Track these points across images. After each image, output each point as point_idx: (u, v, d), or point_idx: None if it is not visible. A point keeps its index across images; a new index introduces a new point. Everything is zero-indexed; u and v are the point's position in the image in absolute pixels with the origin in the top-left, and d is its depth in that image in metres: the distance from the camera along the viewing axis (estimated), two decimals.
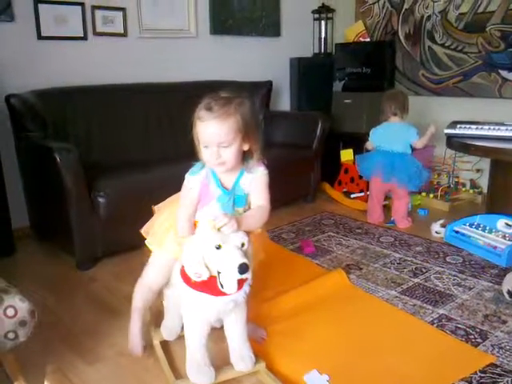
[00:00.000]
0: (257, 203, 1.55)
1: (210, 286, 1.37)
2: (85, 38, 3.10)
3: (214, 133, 1.40)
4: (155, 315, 1.89)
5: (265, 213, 1.54)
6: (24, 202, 2.92)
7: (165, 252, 1.62)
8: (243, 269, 1.30)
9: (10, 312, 1.35)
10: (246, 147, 1.48)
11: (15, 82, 2.78)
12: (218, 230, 1.34)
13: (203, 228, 1.38)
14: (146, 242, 1.67)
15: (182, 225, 1.53)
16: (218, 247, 1.33)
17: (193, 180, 1.53)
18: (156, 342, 1.79)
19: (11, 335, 1.36)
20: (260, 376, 1.60)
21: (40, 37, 2.92)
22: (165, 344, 1.80)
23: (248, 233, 1.41)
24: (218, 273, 1.34)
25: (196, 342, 1.51)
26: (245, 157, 1.51)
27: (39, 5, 2.88)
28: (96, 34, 3.14)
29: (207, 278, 1.36)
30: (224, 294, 1.37)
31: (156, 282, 1.70)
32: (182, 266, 1.43)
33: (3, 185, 2.62)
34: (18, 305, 1.37)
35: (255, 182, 1.54)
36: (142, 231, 1.69)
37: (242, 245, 1.36)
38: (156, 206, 1.73)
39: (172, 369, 1.64)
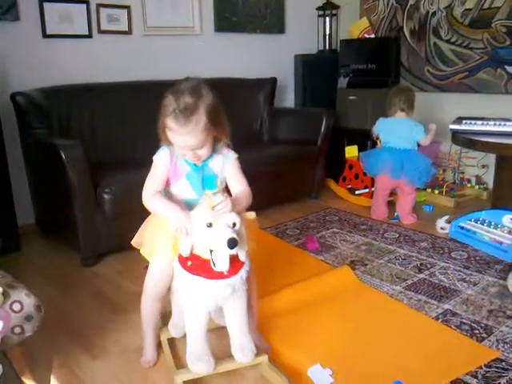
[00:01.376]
0: (238, 188, 1.58)
1: (206, 269, 1.39)
2: (90, 36, 3.11)
3: (187, 143, 1.44)
4: (162, 313, 1.89)
5: (249, 195, 1.57)
6: (29, 199, 2.94)
7: (158, 259, 1.58)
8: (232, 243, 1.31)
9: (17, 307, 1.36)
10: (214, 133, 1.50)
11: (21, 80, 2.80)
12: (213, 208, 1.37)
13: (199, 206, 1.41)
14: (141, 252, 1.63)
15: (147, 198, 1.54)
16: (210, 225, 1.35)
17: (160, 156, 1.54)
18: (163, 339, 1.79)
19: (17, 330, 1.37)
20: (262, 368, 1.61)
21: (45, 35, 2.94)
22: (172, 341, 1.81)
23: (240, 214, 1.42)
24: (211, 251, 1.36)
25: (195, 330, 1.52)
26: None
27: (44, 3, 2.89)
28: (101, 32, 3.15)
29: (189, 254, 1.39)
30: (220, 277, 1.39)
31: (157, 291, 1.66)
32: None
33: (9, 182, 2.64)
34: (24, 300, 1.38)
35: (229, 168, 1.57)
36: (133, 243, 1.66)
37: (234, 224, 1.37)
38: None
39: (177, 365, 1.65)
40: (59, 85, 2.88)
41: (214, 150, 1.54)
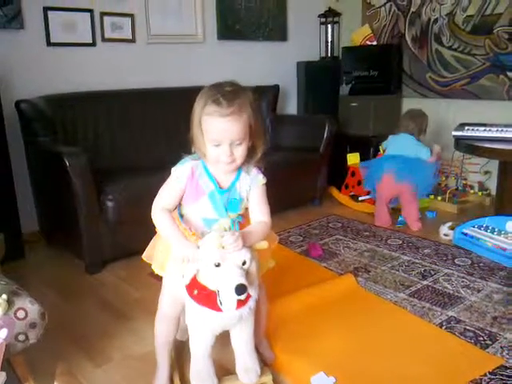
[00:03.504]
0: (258, 218, 1.47)
1: (212, 301, 1.33)
2: (93, 44, 3.14)
3: (228, 130, 1.32)
4: None
5: (267, 229, 1.46)
6: (33, 207, 2.94)
7: (168, 276, 1.51)
8: (240, 290, 1.25)
9: (21, 314, 1.36)
10: (252, 138, 1.40)
11: (25, 88, 2.82)
12: (223, 247, 1.30)
13: (207, 242, 1.32)
14: (152, 268, 1.56)
15: (157, 212, 1.43)
16: (218, 265, 1.28)
17: (181, 170, 1.43)
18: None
19: (21, 337, 1.37)
20: None
21: (49, 43, 2.96)
22: (177, 345, 1.78)
23: (251, 248, 1.34)
24: (218, 291, 1.30)
25: (200, 352, 1.49)
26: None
27: (48, 12, 2.92)
28: (105, 40, 3.18)
29: (188, 282, 1.33)
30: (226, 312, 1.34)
31: (171, 310, 1.57)
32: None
33: (13, 189, 2.65)
34: (29, 307, 1.38)
35: (254, 193, 1.47)
36: (144, 257, 1.59)
37: (244, 263, 1.30)
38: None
39: (180, 372, 1.65)
40: (63, 93, 2.90)
41: (243, 168, 1.44)
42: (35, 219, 2.96)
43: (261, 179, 1.49)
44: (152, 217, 1.45)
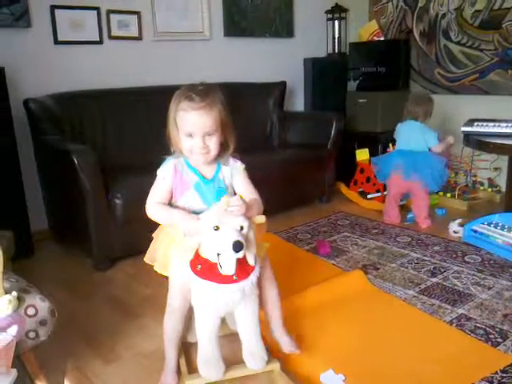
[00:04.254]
0: (248, 197, 1.55)
1: (214, 273, 1.38)
2: (100, 42, 3.14)
3: (201, 122, 1.44)
4: None
5: (261, 203, 1.56)
6: (42, 205, 2.96)
7: (173, 272, 1.55)
8: (238, 246, 1.30)
9: (31, 311, 1.37)
10: (224, 134, 1.51)
11: (33, 87, 2.83)
12: (227, 207, 1.37)
13: (207, 213, 1.40)
14: (155, 268, 1.60)
15: (150, 207, 1.53)
16: (217, 228, 1.34)
17: (165, 169, 1.54)
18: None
19: (32, 334, 1.38)
20: (273, 376, 1.59)
21: (57, 41, 2.97)
22: (188, 346, 1.79)
23: (249, 219, 1.41)
24: (218, 255, 1.35)
25: (206, 335, 1.51)
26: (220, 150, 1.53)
27: (56, 10, 2.93)
28: (111, 37, 3.18)
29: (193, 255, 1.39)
30: (229, 281, 1.38)
31: (179, 305, 1.58)
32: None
33: (22, 188, 2.66)
34: (39, 304, 1.39)
35: (238, 180, 1.57)
36: (146, 259, 1.63)
37: (241, 228, 1.36)
38: (154, 234, 1.63)
39: (189, 369, 1.64)
40: (71, 91, 2.91)
41: (221, 160, 1.55)
42: (44, 217, 2.98)
43: (240, 166, 1.59)
44: (149, 215, 1.54)
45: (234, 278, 1.39)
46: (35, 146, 2.82)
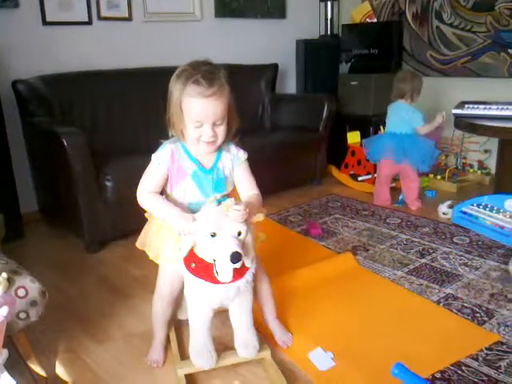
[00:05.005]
0: (249, 192, 1.50)
1: (209, 273, 1.35)
2: (90, 22, 3.09)
3: (211, 110, 1.33)
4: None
5: (260, 199, 1.50)
6: (32, 187, 2.95)
7: (164, 262, 1.53)
8: (235, 258, 1.25)
9: (21, 292, 1.37)
10: (230, 117, 1.42)
11: (21, 68, 2.79)
12: (226, 210, 1.30)
13: (203, 213, 1.34)
14: (150, 257, 1.57)
15: (142, 195, 1.44)
16: (213, 235, 1.29)
17: (161, 154, 1.43)
18: (171, 331, 1.80)
19: (23, 315, 1.38)
20: (264, 364, 1.60)
21: (45, 22, 2.92)
22: (178, 324, 1.82)
23: (246, 221, 1.35)
24: (214, 261, 1.31)
25: (199, 327, 1.51)
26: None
27: None
28: (101, 18, 3.13)
29: (186, 254, 1.35)
30: (222, 281, 1.35)
31: (167, 293, 1.59)
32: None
33: (11, 170, 2.64)
34: (29, 285, 1.39)
35: (239, 171, 1.49)
36: (137, 244, 1.59)
37: (239, 233, 1.31)
38: (147, 214, 1.57)
39: (180, 350, 1.67)
40: (60, 72, 2.87)
41: (222, 146, 1.46)
42: (34, 199, 2.97)
43: (242, 156, 1.51)
44: (140, 203, 1.46)
45: (229, 281, 1.36)
46: (24, 128, 2.79)
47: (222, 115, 1.36)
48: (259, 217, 1.44)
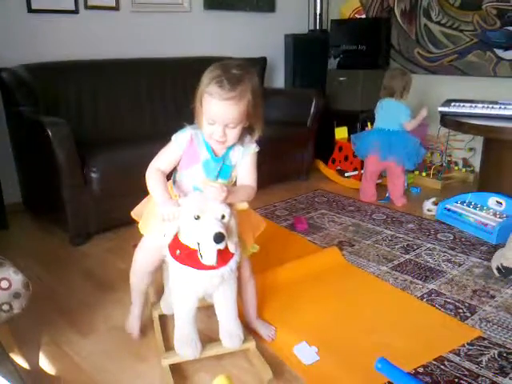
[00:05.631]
0: (245, 183, 1.51)
1: (194, 260, 1.36)
2: (76, 11, 3.04)
3: (225, 114, 1.36)
4: (157, 290, 1.91)
5: (252, 192, 1.51)
6: (16, 178, 2.90)
7: (153, 238, 1.55)
8: (218, 238, 1.27)
9: (5, 284, 1.35)
10: (246, 124, 1.43)
11: (5, 56, 2.74)
12: (204, 186, 1.34)
13: (188, 199, 1.37)
14: (138, 226, 1.61)
15: (149, 171, 1.48)
16: (197, 218, 1.31)
17: (182, 135, 1.47)
18: (155, 316, 1.81)
19: (6, 307, 1.37)
20: (249, 354, 1.61)
21: (30, 10, 2.86)
22: (163, 318, 1.82)
23: (231, 206, 1.38)
24: (198, 244, 1.33)
25: (183, 316, 1.52)
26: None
27: None
28: (88, 7, 3.08)
29: (170, 241, 1.37)
30: (208, 267, 1.36)
31: (146, 265, 1.63)
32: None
33: None
34: (12, 277, 1.37)
35: (246, 159, 1.50)
36: (132, 214, 1.63)
37: (223, 217, 1.33)
38: (132, 212, 1.64)
39: (165, 342, 1.66)
40: (45, 61, 2.82)
41: (239, 143, 1.47)
42: (18, 190, 2.93)
43: (253, 148, 1.51)
44: (146, 175, 1.49)
45: (214, 265, 1.36)
46: (8, 118, 2.75)
47: (236, 119, 1.38)
48: (243, 205, 1.45)
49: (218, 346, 1.59)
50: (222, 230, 1.28)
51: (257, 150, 1.52)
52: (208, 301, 1.73)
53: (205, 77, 1.38)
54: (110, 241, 2.54)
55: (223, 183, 1.38)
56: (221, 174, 1.49)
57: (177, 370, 1.56)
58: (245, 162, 1.51)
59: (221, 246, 1.30)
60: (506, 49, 3.37)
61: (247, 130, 1.47)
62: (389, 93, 3.04)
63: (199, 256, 1.34)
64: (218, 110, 1.36)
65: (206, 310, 1.75)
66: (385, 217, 2.91)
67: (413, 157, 3.00)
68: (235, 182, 1.54)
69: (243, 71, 1.38)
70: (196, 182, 1.49)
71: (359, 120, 3.66)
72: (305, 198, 3.25)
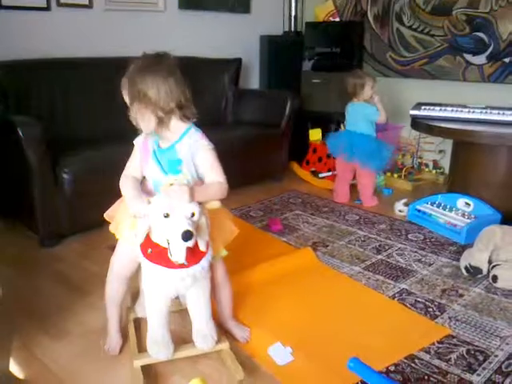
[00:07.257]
0: (212, 179, 1.50)
1: (165, 258, 1.36)
2: (48, 8, 2.99)
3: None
4: (132, 293, 1.88)
5: (221, 188, 1.48)
6: None
7: (125, 241, 1.56)
8: (187, 236, 1.28)
9: None
10: (157, 113, 1.43)
11: None
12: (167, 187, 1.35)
13: (157, 197, 1.39)
14: (110, 228, 1.60)
15: (121, 177, 1.55)
16: (166, 216, 1.32)
17: (138, 138, 1.57)
18: (130, 318, 1.80)
19: None
20: (223, 355, 1.61)
21: (1, 6, 2.79)
22: (139, 321, 1.80)
23: (201, 205, 1.38)
24: (168, 242, 1.34)
25: (156, 317, 1.51)
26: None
27: None
28: (60, 4, 3.03)
29: (142, 241, 1.38)
30: (179, 266, 1.37)
31: (122, 270, 1.62)
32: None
33: None
34: None
35: (202, 158, 1.47)
36: (106, 215, 1.62)
37: (192, 215, 1.34)
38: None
39: (139, 345, 1.65)
40: (16, 59, 2.76)
41: (183, 132, 1.48)
42: None
43: (206, 144, 1.49)
44: (119, 185, 1.53)
45: (185, 263, 1.36)
46: None
47: (126, 100, 1.47)
48: (215, 204, 1.46)
49: (191, 348, 1.59)
50: (191, 228, 1.30)
51: (211, 146, 1.50)
52: (183, 305, 1.73)
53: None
54: (82, 243, 2.50)
55: (182, 182, 1.37)
56: (170, 168, 1.48)
57: (151, 375, 1.55)
58: (204, 161, 1.48)
59: (189, 244, 1.31)
60: (475, 54, 3.47)
61: (183, 119, 1.48)
62: (353, 94, 3.09)
63: (169, 254, 1.34)
64: None
65: (180, 313, 1.74)
66: (358, 217, 2.95)
67: (376, 159, 3.03)
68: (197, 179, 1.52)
69: (148, 61, 1.56)
70: (155, 176, 1.51)
71: (333, 122, 3.70)
72: (279, 199, 3.27)
